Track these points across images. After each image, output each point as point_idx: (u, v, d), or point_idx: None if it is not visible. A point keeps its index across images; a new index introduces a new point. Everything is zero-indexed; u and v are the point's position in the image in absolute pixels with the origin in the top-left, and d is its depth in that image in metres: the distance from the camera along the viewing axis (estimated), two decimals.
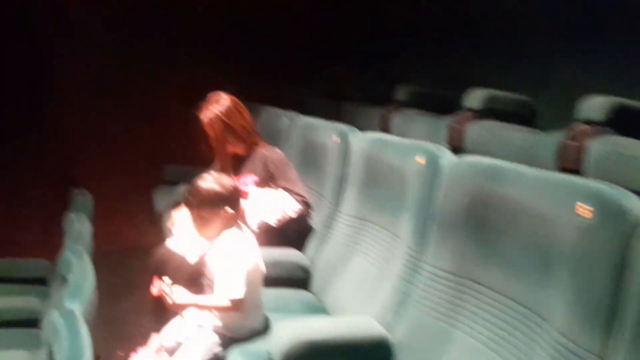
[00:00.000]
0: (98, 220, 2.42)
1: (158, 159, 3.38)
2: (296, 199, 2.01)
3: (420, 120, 2.36)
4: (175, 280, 1.86)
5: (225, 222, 1.53)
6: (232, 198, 1.55)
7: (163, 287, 1.46)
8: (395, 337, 1.40)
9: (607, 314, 0.92)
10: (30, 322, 1.97)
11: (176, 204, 2.18)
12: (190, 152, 3.24)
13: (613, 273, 0.92)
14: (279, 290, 1.86)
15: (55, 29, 3.33)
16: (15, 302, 2.09)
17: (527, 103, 2.14)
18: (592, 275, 0.96)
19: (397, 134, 2.49)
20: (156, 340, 2.04)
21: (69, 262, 1.70)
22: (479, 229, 1.28)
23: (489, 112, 2.09)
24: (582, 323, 0.96)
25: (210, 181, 1.53)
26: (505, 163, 1.26)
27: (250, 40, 3.72)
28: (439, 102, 2.64)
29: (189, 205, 1.53)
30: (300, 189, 2.05)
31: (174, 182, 3.27)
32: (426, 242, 1.44)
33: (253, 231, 2.01)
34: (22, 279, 2.38)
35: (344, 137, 1.96)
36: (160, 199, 3.14)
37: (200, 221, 1.52)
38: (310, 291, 1.93)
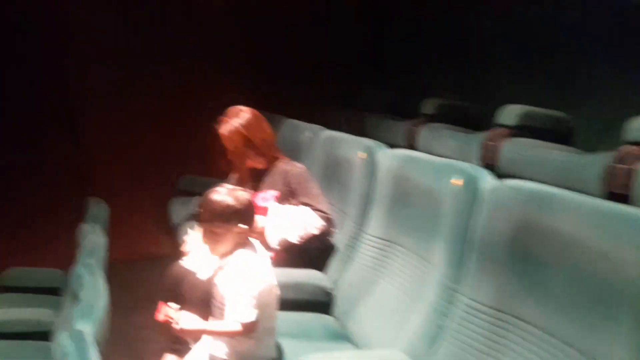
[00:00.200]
0: (113, 230, 2.38)
1: (174, 169, 3.33)
2: (319, 215, 1.91)
3: (449, 136, 2.25)
4: (189, 301, 1.78)
5: (238, 239, 1.42)
6: (246, 213, 1.42)
7: (169, 312, 1.36)
8: None
9: None
10: (42, 334, 1.93)
11: (191, 216, 2.10)
12: (207, 162, 3.21)
13: None
14: (298, 314, 1.75)
15: (78, 39, 3.31)
16: (27, 314, 2.06)
17: (565, 120, 2.02)
18: None
19: (424, 150, 2.39)
20: None
21: (81, 278, 1.65)
22: (524, 261, 1.17)
23: (524, 129, 1.98)
24: None
25: (224, 194, 1.41)
26: (553, 189, 1.15)
27: (271, 52, 3.67)
28: (468, 116, 2.54)
29: (200, 219, 1.43)
30: (323, 205, 1.95)
31: (189, 193, 3.23)
32: (463, 272, 1.33)
33: (273, 249, 1.93)
34: (36, 289, 2.36)
35: (370, 153, 1.85)
36: (175, 209, 3.09)
37: (212, 237, 1.41)
38: (331, 315, 1.83)
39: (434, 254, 1.46)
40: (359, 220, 1.88)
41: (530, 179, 1.47)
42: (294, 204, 1.98)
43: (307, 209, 1.93)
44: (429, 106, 2.51)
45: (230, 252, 1.43)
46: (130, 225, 3.31)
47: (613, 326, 0.95)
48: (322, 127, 2.39)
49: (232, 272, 1.41)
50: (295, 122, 2.69)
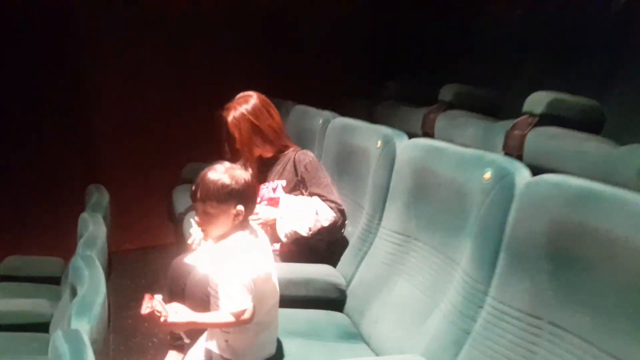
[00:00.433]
0: (116, 219, 2.30)
1: (180, 156, 3.23)
2: (330, 207, 1.80)
3: (469, 124, 2.12)
4: (191, 298, 1.68)
5: (234, 221, 1.28)
6: (244, 194, 1.28)
7: (155, 304, 1.23)
8: None
9: None
10: (41, 325, 1.88)
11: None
12: (212, 150, 3.11)
13: None
14: (309, 312, 1.65)
15: (86, 28, 3.18)
16: (26, 305, 2.00)
17: (596, 108, 1.89)
18: None
19: (442, 138, 2.27)
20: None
21: (79, 271, 1.57)
22: (564, 264, 1.06)
23: (552, 118, 1.84)
24: None
25: (221, 172, 1.28)
26: (601, 186, 1.03)
27: (278, 35, 3.53)
28: (488, 104, 2.41)
29: (193, 198, 1.30)
30: (335, 195, 1.83)
31: (193, 181, 3.13)
32: (492, 273, 1.21)
33: (281, 241, 1.82)
34: (36, 278, 2.31)
35: (388, 143, 1.73)
36: (179, 197, 2.99)
37: (205, 218, 1.28)
38: (344, 313, 1.72)
39: (460, 253, 1.35)
40: (373, 213, 1.77)
41: (560, 172, 1.35)
42: (304, 195, 1.87)
43: (318, 199, 1.82)
44: (447, 92, 2.38)
45: (225, 235, 1.30)
46: (134, 214, 3.24)
47: None
48: (334, 114, 2.26)
49: (225, 257, 1.28)
50: (305, 108, 2.56)
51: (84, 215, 2.08)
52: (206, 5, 3.38)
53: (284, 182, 1.90)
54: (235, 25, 3.42)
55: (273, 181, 1.93)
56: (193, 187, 1.29)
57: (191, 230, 1.60)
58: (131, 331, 2.44)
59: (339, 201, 1.82)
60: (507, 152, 1.88)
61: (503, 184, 1.22)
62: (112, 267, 2.17)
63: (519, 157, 1.82)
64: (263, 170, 1.97)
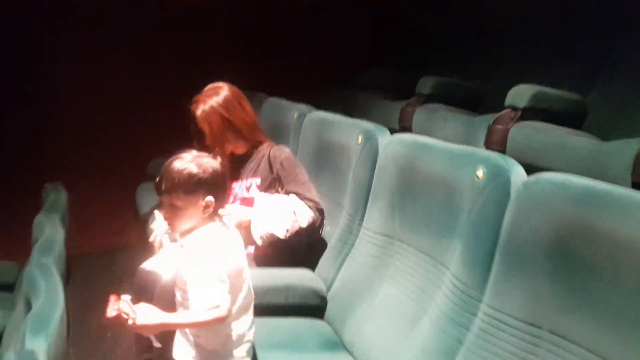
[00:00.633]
0: (75, 220, 2.15)
1: (143, 151, 3.04)
2: (308, 205, 1.70)
3: (449, 118, 2.05)
4: (162, 307, 1.55)
5: (203, 213, 1.19)
6: (213, 183, 1.19)
7: (122, 306, 1.12)
8: None
9: None
10: None
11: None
12: (178, 143, 2.94)
13: None
14: (288, 320, 1.55)
15: (40, 17, 2.95)
16: None
17: (579, 102, 1.85)
18: None
19: (421, 133, 2.19)
20: None
21: (35, 282, 1.44)
22: (566, 268, 0.99)
23: (535, 111, 1.79)
24: None
25: (187, 161, 1.18)
26: (607, 185, 0.96)
27: (248, 23, 3.37)
28: (468, 96, 2.34)
29: (158, 190, 1.18)
30: (313, 193, 1.73)
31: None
32: (485, 277, 1.14)
33: (256, 244, 1.71)
34: None
35: (370, 138, 1.63)
36: (144, 195, 2.83)
37: (172, 211, 1.18)
38: (324, 321, 1.62)
39: (449, 255, 1.27)
40: (354, 212, 1.67)
41: (546, 168, 1.29)
42: (280, 193, 1.76)
43: (295, 198, 1.71)
44: (425, 85, 2.30)
45: (194, 229, 1.20)
46: (95, 213, 3.05)
47: None
48: (310, 107, 2.15)
49: (194, 250, 1.18)
50: (279, 100, 2.44)
51: (40, 217, 1.93)
52: None
53: (258, 180, 1.78)
54: (202, 13, 3.25)
55: (247, 179, 1.81)
56: (157, 179, 1.19)
57: (152, 225, 1.48)
58: (94, 342, 2.28)
59: (318, 199, 1.71)
60: (489, 147, 1.82)
61: (497, 182, 1.14)
62: (72, 272, 2.02)
63: (502, 153, 1.77)
64: (236, 167, 1.84)
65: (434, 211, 1.34)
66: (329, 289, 1.65)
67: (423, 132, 2.18)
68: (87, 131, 3.12)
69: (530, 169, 1.15)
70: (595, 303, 0.95)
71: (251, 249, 1.73)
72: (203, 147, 1.82)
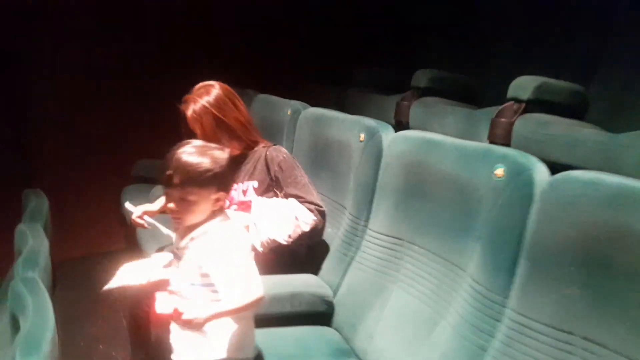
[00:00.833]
0: (57, 224, 2.03)
1: (127, 153, 2.93)
2: (310, 209, 1.62)
3: (448, 112, 1.99)
4: (161, 322, 1.48)
5: (213, 207, 1.17)
6: (225, 177, 1.18)
7: (171, 301, 1.10)
8: None
9: None
10: None
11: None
12: (164, 144, 2.82)
13: None
14: (296, 329, 1.48)
15: (25, 22, 2.79)
16: None
17: (582, 94, 1.81)
18: None
19: (418, 128, 2.14)
20: None
21: (22, 298, 1.35)
22: (597, 271, 0.94)
23: (539, 103, 1.75)
24: None
25: (199, 154, 1.14)
26: (639, 183, 0.91)
27: (235, 17, 3.25)
28: (465, 90, 2.29)
29: (168, 183, 1.13)
30: (314, 196, 1.65)
31: (144, 179, 2.87)
32: (509, 281, 1.08)
33: (257, 252, 1.63)
34: None
35: (373, 136, 1.56)
36: (129, 198, 2.71)
37: (183, 205, 1.14)
38: (333, 327, 1.56)
39: (466, 258, 1.21)
40: (358, 213, 1.60)
41: (553, 162, 1.24)
42: (279, 197, 1.68)
43: (295, 201, 1.63)
44: (420, 78, 2.24)
45: (203, 223, 1.18)
46: (78, 218, 2.93)
47: None
48: (304, 104, 2.07)
49: (214, 243, 1.15)
50: (270, 97, 2.35)
51: (21, 227, 1.82)
52: None
53: (255, 184, 1.70)
54: (185, 12, 3.11)
55: (243, 182, 1.72)
56: (168, 172, 1.12)
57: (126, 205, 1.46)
58: (84, 355, 2.17)
59: (319, 202, 1.64)
60: (493, 140, 1.77)
61: (519, 181, 1.09)
62: (56, 280, 1.92)
63: (506, 146, 1.72)
64: (230, 169, 1.75)
65: (446, 211, 1.28)
66: (335, 294, 1.58)
67: (420, 126, 2.13)
68: (67, 133, 2.97)
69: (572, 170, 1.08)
70: (630, 308, 0.90)
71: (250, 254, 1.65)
72: None
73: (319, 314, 1.53)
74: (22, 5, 2.76)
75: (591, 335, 0.95)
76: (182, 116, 1.71)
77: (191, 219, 1.16)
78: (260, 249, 1.60)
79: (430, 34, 2.85)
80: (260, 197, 1.68)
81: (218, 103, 1.70)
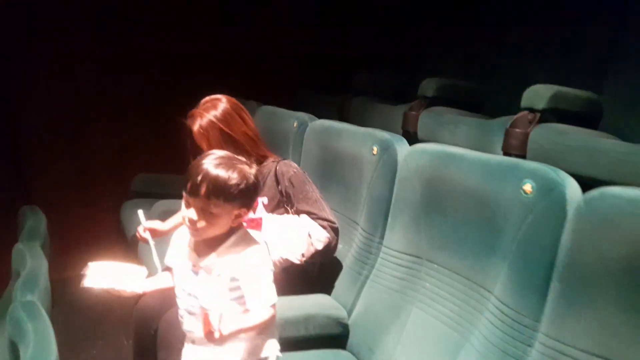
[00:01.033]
0: (54, 242, 1.97)
1: (127, 167, 2.87)
2: (322, 225, 1.56)
3: (461, 122, 1.94)
4: (167, 345, 1.42)
5: (233, 223, 1.13)
6: (250, 194, 1.13)
7: (212, 316, 1.04)
8: None
9: None
10: None
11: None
12: (164, 157, 2.77)
13: None
14: (311, 353, 1.41)
15: (19, 33, 2.73)
16: None
17: (597, 102, 1.77)
18: None
19: (427, 138, 2.10)
20: None
21: (22, 325, 1.30)
22: None
23: (554, 113, 1.70)
24: None
25: (228, 167, 1.09)
26: None
27: (232, 25, 3.20)
28: (473, 98, 2.25)
29: (192, 192, 1.08)
30: (327, 212, 1.60)
31: (145, 194, 2.81)
32: (541, 304, 1.03)
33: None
34: None
35: (388, 149, 1.51)
36: (129, 213, 2.65)
37: (204, 217, 1.09)
38: (348, 350, 1.49)
39: (491, 278, 1.16)
40: (372, 230, 1.54)
41: (572, 174, 1.19)
42: (290, 213, 1.62)
43: (307, 218, 1.57)
44: (428, 87, 2.19)
45: (223, 238, 1.14)
46: (76, 234, 2.85)
47: None
48: (311, 116, 2.01)
49: (245, 257, 1.12)
50: (274, 108, 2.30)
51: (19, 246, 1.76)
52: None
53: (265, 200, 1.64)
54: (185, 21, 3.06)
55: None
56: (197, 180, 1.07)
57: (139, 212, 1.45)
58: None
59: (332, 218, 1.58)
60: (507, 151, 1.73)
61: (551, 198, 1.03)
62: (54, 299, 1.85)
63: (521, 157, 1.67)
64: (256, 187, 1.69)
65: (468, 228, 1.23)
66: (349, 314, 1.52)
67: (430, 136, 2.08)
68: (65, 147, 2.90)
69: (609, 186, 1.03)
70: None
71: None
72: None
73: (334, 337, 1.47)
74: (19, 15, 2.70)
75: None
76: (188, 131, 1.66)
77: (209, 232, 1.12)
78: (272, 269, 1.54)
79: (432, 40, 2.81)
80: (270, 213, 1.62)
81: (225, 117, 1.65)
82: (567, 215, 1.00)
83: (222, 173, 1.08)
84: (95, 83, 2.89)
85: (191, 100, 1.72)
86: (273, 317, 1.15)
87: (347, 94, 2.74)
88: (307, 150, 1.93)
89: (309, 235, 1.53)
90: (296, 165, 1.69)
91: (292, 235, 1.52)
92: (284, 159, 1.71)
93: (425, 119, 2.13)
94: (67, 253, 2.56)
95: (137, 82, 2.95)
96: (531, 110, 1.71)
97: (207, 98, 1.68)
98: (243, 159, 1.15)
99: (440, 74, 2.36)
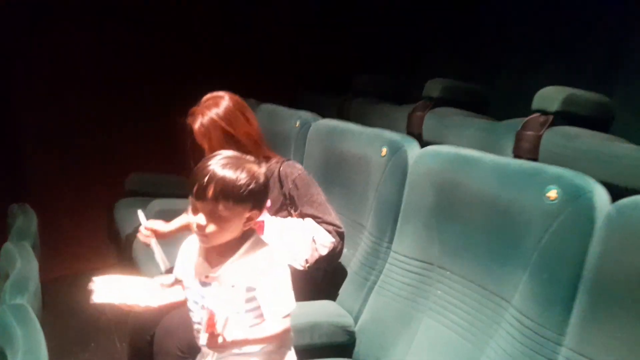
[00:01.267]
0: (45, 241, 1.92)
1: (120, 165, 2.79)
2: (327, 230, 1.51)
3: (468, 124, 1.89)
4: (163, 354, 1.35)
5: (244, 227, 1.07)
6: (261, 195, 1.07)
7: (218, 320, 0.97)
8: None
9: None
10: None
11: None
12: (159, 156, 2.70)
13: None
14: None
15: (14, 32, 2.64)
16: None
17: (608, 105, 1.73)
18: None
19: (433, 140, 2.04)
20: None
21: (10, 329, 1.27)
22: None
23: (567, 116, 1.66)
24: None
25: (236, 168, 1.03)
26: None
27: (231, 24, 3.13)
28: (478, 100, 2.21)
29: (199, 195, 1.02)
30: (332, 216, 1.54)
31: (138, 193, 2.74)
32: (566, 317, 0.98)
33: None
34: None
35: (398, 151, 1.45)
36: (122, 213, 2.58)
37: (214, 221, 1.03)
38: (354, 359, 1.44)
39: (509, 287, 1.11)
40: (380, 234, 1.49)
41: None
42: (294, 217, 1.56)
43: (312, 222, 1.51)
44: (433, 88, 2.15)
45: (235, 244, 1.07)
46: (67, 233, 2.78)
47: None
48: (315, 115, 1.96)
49: (261, 265, 1.06)
50: (275, 107, 2.23)
51: (8, 246, 1.69)
52: None
53: (268, 202, 1.57)
54: (181, 20, 2.98)
55: None
56: (203, 182, 1.01)
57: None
58: None
59: (338, 222, 1.52)
60: (518, 154, 1.68)
61: (578, 206, 0.98)
62: (43, 302, 1.78)
63: (534, 160, 1.63)
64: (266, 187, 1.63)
65: (485, 235, 1.18)
66: (355, 321, 1.46)
67: (435, 138, 2.03)
68: (56, 145, 2.81)
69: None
70: None
71: None
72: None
73: (340, 345, 1.41)
74: (19, 15, 2.62)
75: None
76: (188, 130, 1.59)
77: (219, 237, 1.05)
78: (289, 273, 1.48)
79: (434, 40, 2.76)
80: (273, 216, 1.56)
81: (228, 116, 1.58)
82: (595, 224, 0.95)
83: (230, 173, 1.01)
84: (88, 81, 2.81)
85: (189, 100, 1.65)
86: (287, 330, 1.09)
87: (347, 95, 2.69)
88: (310, 151, 1.87)
89: (313, 240, 1.47)
90: (301, 166, 1.63)
91: (296, 240, 1.47)
92: (289, 160, 1.65)
93: (430, 121, 2.08)
94: (56, 252, 2.49)
95: (133, 82, 2.87)
96: (543, 112, 1.66)
97: (209, 95, 1.61)
98: (251, 158, 1.08)
99: (441, 75, 2.32)
